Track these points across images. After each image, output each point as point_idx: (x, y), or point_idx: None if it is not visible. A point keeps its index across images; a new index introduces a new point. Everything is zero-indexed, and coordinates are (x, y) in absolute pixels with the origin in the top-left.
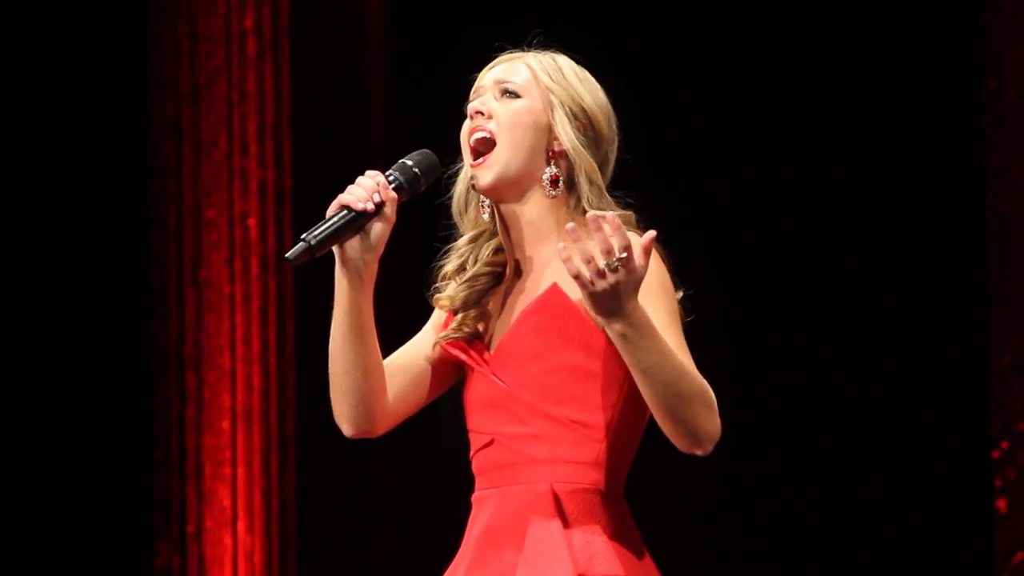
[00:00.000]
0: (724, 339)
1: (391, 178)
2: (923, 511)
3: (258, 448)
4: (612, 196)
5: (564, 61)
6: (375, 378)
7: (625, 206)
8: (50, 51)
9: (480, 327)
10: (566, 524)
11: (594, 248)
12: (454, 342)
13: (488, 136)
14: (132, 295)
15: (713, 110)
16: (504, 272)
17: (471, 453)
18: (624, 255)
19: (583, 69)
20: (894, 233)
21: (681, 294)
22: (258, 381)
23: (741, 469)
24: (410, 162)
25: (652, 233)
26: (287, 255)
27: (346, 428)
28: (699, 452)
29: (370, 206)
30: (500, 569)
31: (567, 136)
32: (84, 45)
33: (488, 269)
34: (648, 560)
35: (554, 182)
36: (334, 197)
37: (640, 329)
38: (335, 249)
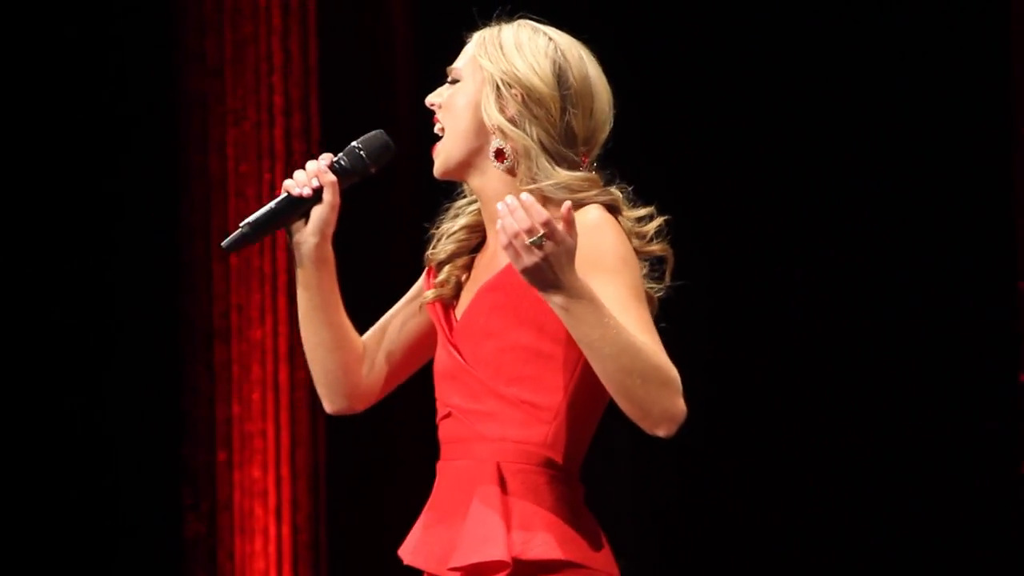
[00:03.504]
0: (749, 325)
1: (336, 161)
2: (945, 500)
3: (288, 420)
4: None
5: (508, 31)
6: (341, 355)
7: (591, 169)
8: (76, 23)
9: (458, 291)
10: (507, 504)
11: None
12: (435, 303)
13: (441, 126)
14: (161, 267)
15: (715, 99)
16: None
17: (436, 420)
18: (545, 230)
19: (533, 32)
20: (918, 216)
21: (663, 219)
22: (288, 352)
23: (756, 460)
24: (358, 145)
25: (568, 204)
26: (223, 243)
27: (325, 405)
28: (661, 433)
29: (307, 191)
30: (441, 544)
31: (490, 113)
32: (110, 18)
33: (466, 229)
34: (597, 543)
35: (499, 154)
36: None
37: (581, 302)
38: (286, 233)
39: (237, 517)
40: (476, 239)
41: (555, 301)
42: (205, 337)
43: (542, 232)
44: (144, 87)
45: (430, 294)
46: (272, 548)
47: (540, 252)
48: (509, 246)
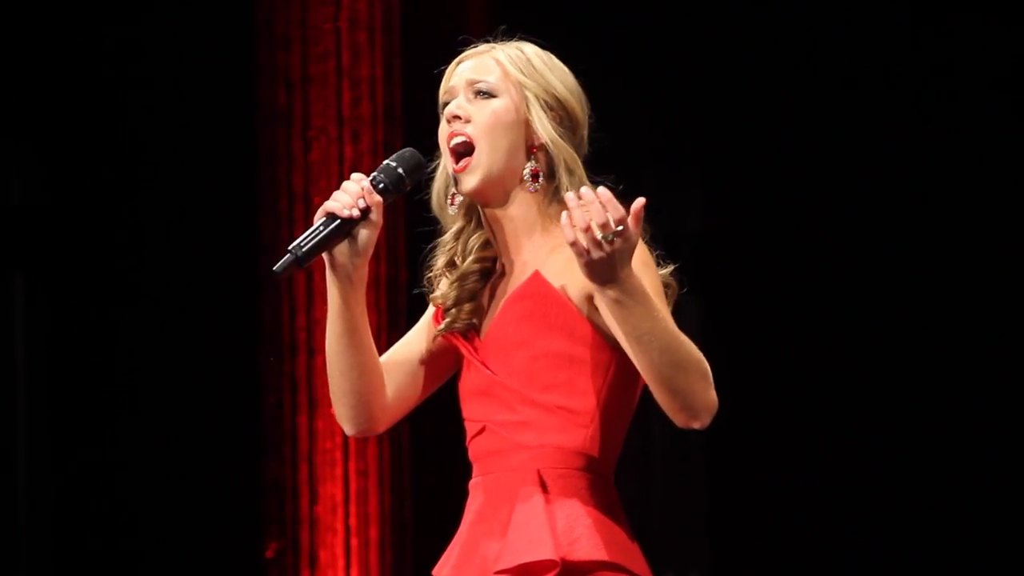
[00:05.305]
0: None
1: (376, 181)
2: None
3: None
4: (592, 180)
5: (530, 50)
6: (372, 378)
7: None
8: (159, 39)
9: (474, 319)
10: (551, 507)
11: (591, 218)
12: (451, 332)
13: (467, 140)
14: (241, 282)
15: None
16: (494, 265)
17: (467, 441)
18: (621, 227)
19: (549, 55)
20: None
21: (670, 270)
22: None
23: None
24: (394, 163)
25: (642, 200)
26: (274, 268)
27: (347, 428)
28: (696, 425)
29: (355, 212)
30: (487, 555)
31: (545, 130)
32: (193, 33)
33: (477, 266)
34: (634, 546)
35: (535, 176)
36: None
37: (634, 295)
38: (324, 256)
39: (316, 531)
40: (482, 275)
41: (608, 295)
42: (285, 351)
43: (618, 228)
44: (224, 102)
45: (443, 328)
46: (353, 563)
47: (609, 247)
48: (575, 242)
